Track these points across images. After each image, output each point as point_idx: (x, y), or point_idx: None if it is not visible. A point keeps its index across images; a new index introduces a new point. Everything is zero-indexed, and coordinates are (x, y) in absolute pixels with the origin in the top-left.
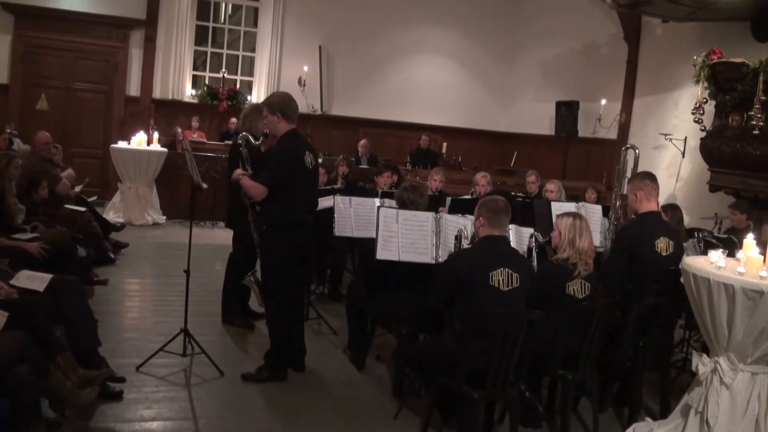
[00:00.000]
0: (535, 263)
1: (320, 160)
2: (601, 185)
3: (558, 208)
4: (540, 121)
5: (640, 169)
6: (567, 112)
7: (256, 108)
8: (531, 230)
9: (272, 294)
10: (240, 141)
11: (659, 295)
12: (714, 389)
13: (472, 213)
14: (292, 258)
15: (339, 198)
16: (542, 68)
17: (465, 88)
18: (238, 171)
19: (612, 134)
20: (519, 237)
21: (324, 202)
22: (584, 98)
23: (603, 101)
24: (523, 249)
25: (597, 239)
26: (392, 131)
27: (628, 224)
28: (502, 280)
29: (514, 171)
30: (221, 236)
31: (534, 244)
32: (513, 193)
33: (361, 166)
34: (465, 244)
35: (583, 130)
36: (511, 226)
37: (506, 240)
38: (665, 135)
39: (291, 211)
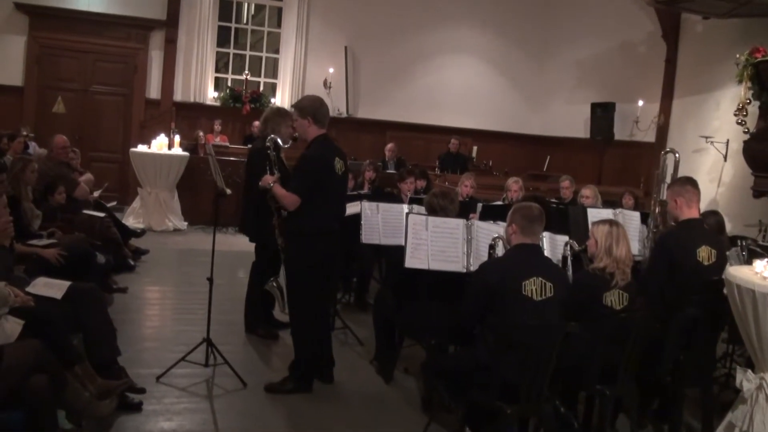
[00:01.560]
0: (570, 273)
1: None
2: (638, 191)
3: (594, 214)
4: (574, 123)
5: (680, 173)
6: (603, 114)
7: (279, 111)
8: (566, 238)
9: (297, 302)
10: (269, 144)
11: (701, 307)
12: (760, 407)
13: (504, 220)
14: (318, 266)
15: (366, 204)
16: (577, 68)
17: (496, 90)
18: (269, 177)
19: (650, 137)
20: (553, 245)
21: (350, 209)
22: (621, 99)
23: (640, 102)
24: (557, 258)
25: (635, 248)
26: (420, 134)
27: (667, 232)
28: (536, 289)
29: (547, 176)
30: (245, 243)
31: (569, 252)
32: (541, 198)
33: (388, 171)
34: (499, 253)
35: (620, 133)
36: (545, 234)
37: (539, 248)
38: (706, 138)
39: (318, 219)
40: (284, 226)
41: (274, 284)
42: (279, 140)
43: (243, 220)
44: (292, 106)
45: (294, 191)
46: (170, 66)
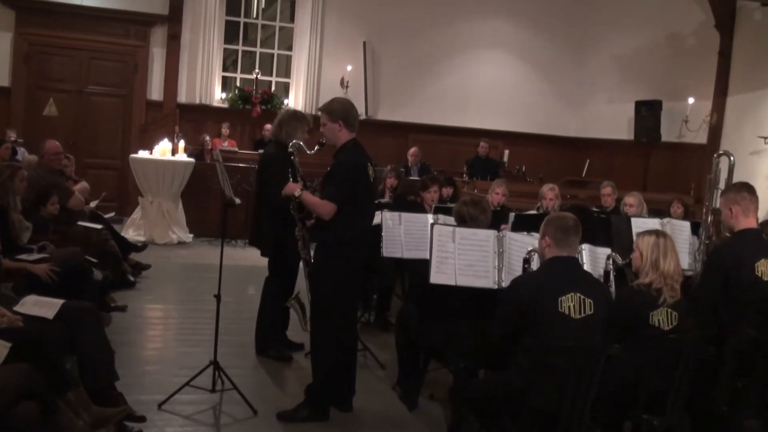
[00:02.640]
0: (612, 289)
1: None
2: (688, 198)
3: (639, 224)
4: (617, 124)
5: (735, 178)
6: (648, 113)
7: (295, 114)
8: (607, 251)
9: (322, 319)
10: (291, 149)
11: (761, 328)
12: None
13: (538, 231)
14: (349, 279)
15: (387, 214)
16: (619, 63)
17: (529, 88)
18: (294, 185)
19: (701, 138)
20: (593, 259)
21: None
22: (668, 97)
23: (690, 100)
24: (598, 272)
25: (685, 261)
26: (447, 137)
27: (722, 244)
28: (574, 306)
29: (586, 182)
30: (255, 257)
31: (611, 266)
32: (586, 208)
33: (411, 178)
34: (534, 267)
35: (667, 134)
36: (585, 247)
37: (577, 262)
38: (765, 138)
39: (352, 228)
40: (313, 235)
41: (295, 301)
42: (303, 145)
43: (254, 232)
44: (319, 109)
45: (331, 198)
46: (173, 64)
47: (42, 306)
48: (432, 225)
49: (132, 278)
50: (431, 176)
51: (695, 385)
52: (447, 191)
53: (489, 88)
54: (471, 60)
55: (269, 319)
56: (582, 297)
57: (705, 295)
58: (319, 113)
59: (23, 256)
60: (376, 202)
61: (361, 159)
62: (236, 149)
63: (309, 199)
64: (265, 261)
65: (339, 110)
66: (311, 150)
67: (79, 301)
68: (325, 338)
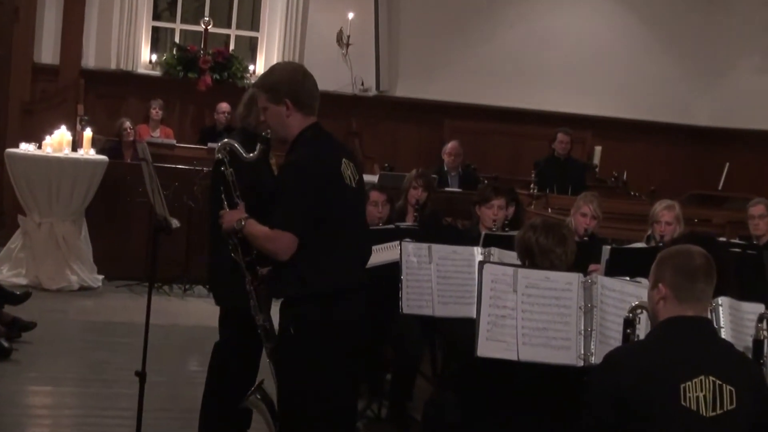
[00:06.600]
0: None
1: (375, 178)
2: None
3: None
4: None
5: None
6: None
7: None
8: (761, 307)
9: (298, 422)
10: (220, 155)
11: None
12: None
13: (647, 275)
14: (335, 357)
15: (410, 246)
16: None
17: (634, 53)
18: (233, 213)
19: None
20: (736, 319)
21: (381, 254)
22: None
23: None
24: (744, 343)
25: None
26: (503, 126)
27: None
28: (705, 397)
29: (724, 197)
30: (201, 311)
31: (766, 333)
32: (723, 240)
33: (448, 189)
34: (641, 334)
35: None
36: (722, 301)
37: (709, 326)
38: None
39: (330, 268)
40: (270, 291)
41: (258, 396)
42: (237, 146)
43: (212, 274)
44: (252, 85)
45: (285, 225)
46: (76, 12)
47: None
48: (481, 264)
49: (5, 344)
50: (495, 185)
51: None
52: (507, 210)
53: (570, 53)
54: (540, 8)
55: (219, 412)
56: (719, 383)
57: None
58: (255, 93)
59: None
60: (393, 226)
61: (328, 154)
62: (174, 142)
63: (254, 230)
64: (213, 317)
65: (282, 83)
66: (249, 154)
67: None
68: None
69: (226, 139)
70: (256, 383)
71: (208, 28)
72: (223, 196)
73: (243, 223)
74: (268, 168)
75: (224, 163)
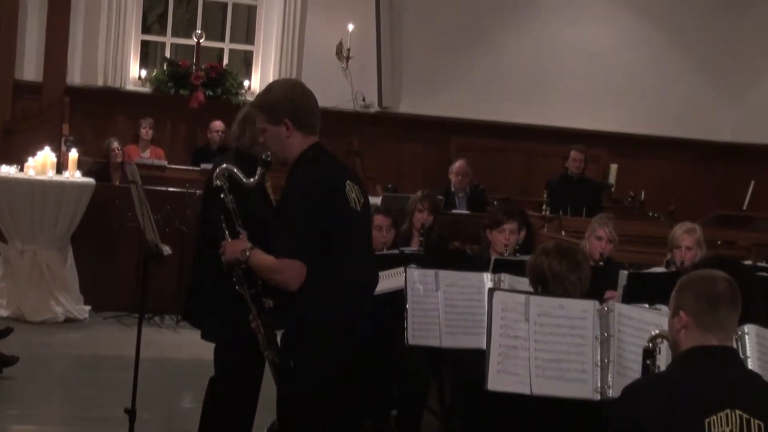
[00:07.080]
0: None
1: (378, 200)
2: None
3: None
4: None
5: None
6: None
7: None
8: None
9: None
10: (219, 182)
11: None
12: None
13: (667, 302)
14: (336, 390)
15: (416, 273)
16: None
17: (651, 64)
18: (236, 243)
19: None
20: (764, 348)
21: (384, 281)
22: None
23: None
24: None
25: None
26: (512, 144)
27: None
28: None
29: (750, 218)
30: (194, 344)
31: None
32: (749, 263)
33: (455, 211)
34: (662, 365)
35: None
36: (747, 328)
37: (735, 355)
38: None
39: (335, 297)
40: (276, 322)
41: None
42: (236, 172)
43: (193, 299)
44: (251, 105)
45: (290, 253)
46: (61, 22)
47: None
48: (491, 291)
49: None
50: (508, 208)
51: None
52: (519, 234)
53: (584, 64)
54: (554, 16)
55: None
56: (746, 417)
57: None
58: (253, 113)
59: None
60: (398, 251)
61: (332, 175)
62: (165, 163)
63: (260, 262)
64: (208, 350)
65: (281, 102)
66: (250, 179)
67: None
68: None
69: (224, 165)
70: (270, 425)
71: (201, 41)
72: (224, 225)
73: (248, 254)
74: (263, 192)
75: (224, 190)
